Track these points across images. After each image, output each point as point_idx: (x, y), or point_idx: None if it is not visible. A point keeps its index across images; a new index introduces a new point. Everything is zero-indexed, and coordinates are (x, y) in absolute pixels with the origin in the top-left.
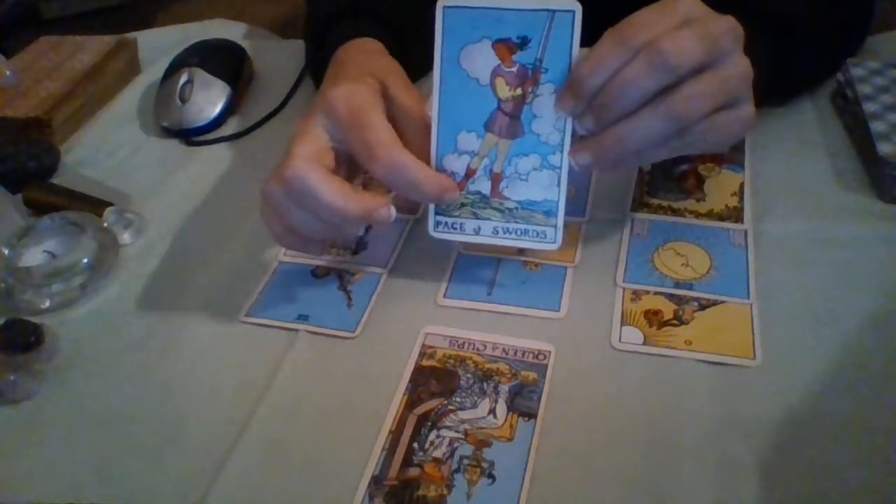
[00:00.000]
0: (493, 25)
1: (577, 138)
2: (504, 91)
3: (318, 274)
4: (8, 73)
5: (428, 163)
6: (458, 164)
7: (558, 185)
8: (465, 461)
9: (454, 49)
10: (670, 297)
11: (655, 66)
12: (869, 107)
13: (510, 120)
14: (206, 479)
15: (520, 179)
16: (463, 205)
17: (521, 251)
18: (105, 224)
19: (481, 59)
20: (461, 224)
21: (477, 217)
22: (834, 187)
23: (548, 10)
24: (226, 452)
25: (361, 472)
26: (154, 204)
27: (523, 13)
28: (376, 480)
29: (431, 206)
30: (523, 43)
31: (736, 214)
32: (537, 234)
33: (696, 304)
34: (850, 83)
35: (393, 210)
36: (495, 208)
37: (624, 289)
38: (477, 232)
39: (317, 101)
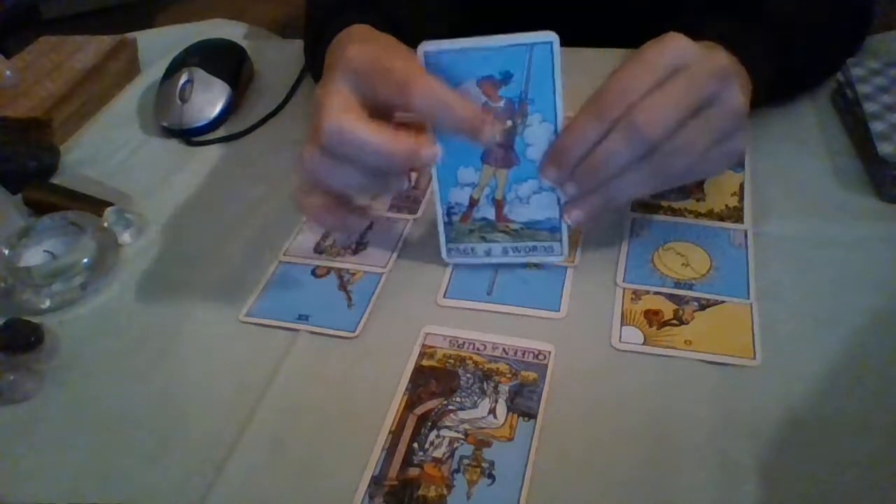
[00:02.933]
0: (476, 65)
1: None
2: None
3: (318, 274)
4: (8, 73)
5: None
6: (461, 196)
7: (558, 203)
8: (465, 461)
9: None
10: (670, 297)
11: (632, 140)
12: (869, 107)
13: (504, 151)
14: (206, 479)
15: (521, 203)
16: (471, 231)
17: None
18: (105, 224)
19: (469, 98)
20: (472, 248)
21: (486, 240)
22: (834, 187)
23: (526, 44)
24: (226, 452)
25: (361, 472)
26: (154, 204)
27: (503, 50)
28: (376, 480)
29: (442, 235)
30: (507, 78)
31: (736, 214)
32: (545, 249)
33: (696, 304)
34: (850, 83)
35: (438, 148)
36: (502, 231)
37: (624, 289)
38: (488, 254)
39: (331, 69)
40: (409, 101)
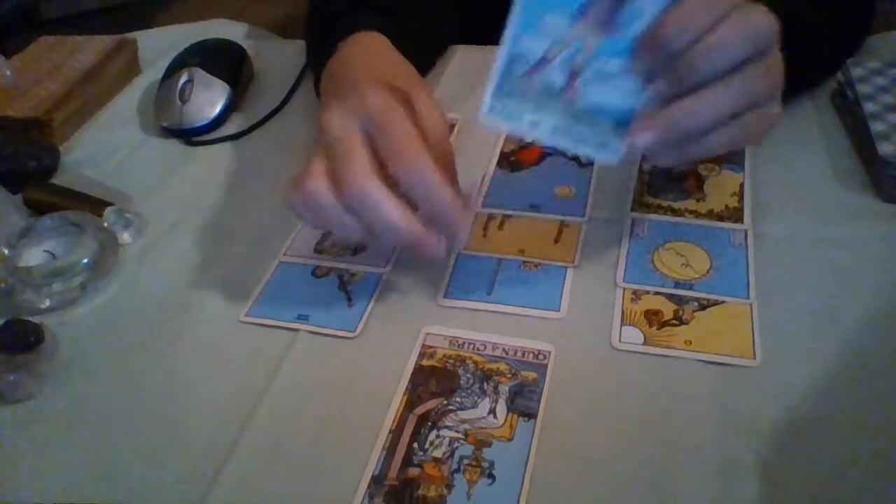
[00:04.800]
0: None
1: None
2: None
3: (318, 274)
4: (8, 73)
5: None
6: (536, 47)
7: (641, 93)
8: (465, 461)
9: None
10: (670, 297)
11: (746, 36)
12: (869, 107)
13: (611, 9)
14: (206, 479)
15: (600, 80)
16: (526, 92)
17: (522, 251)
18: (105, 224)
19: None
20: (520, 113)
21: (539, 110)
22: (834, 187)
23: None
24: (226, 452)
25: (361, 472)
26: (154, 204)
27: None
28: (376, 480)
29: (492, 84)
30: None
31: (736, 214)
32: (599, 144)
33: (696, 304)
34: (850, 83)
35: (444, 248)
36: (563, 106)
37: (624, 289)
38: (535, 126)
39: (345, 98)
40: (397, 173)
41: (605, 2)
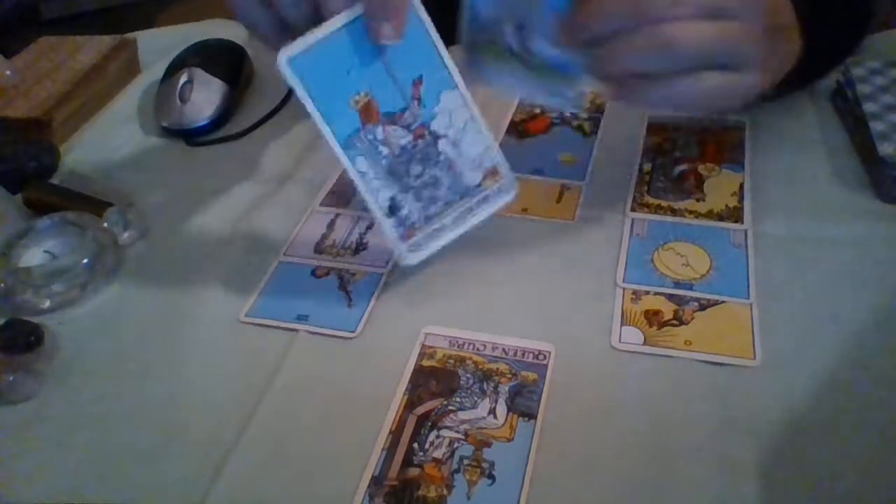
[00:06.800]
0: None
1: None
2: None
3: (318, 274)
4: (8, 73)
5: None
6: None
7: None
8: (465, 461)
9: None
10: (670, 297)
11: (660, 50)
12: (869, 107)
13: None
14: (206, 479)
15: (545, 37)
16: (487, 52)
17: (525, 209)
18: (105, 224)
19: None
20: (483, 68)
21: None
22: (834, 187)
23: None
24: (226, 453)
25: (361, 472)
26: (154, 204)
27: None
28: (376, 480)
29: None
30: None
31: (736, 214)
32: (552, 93)
33: (696, 304)
34: (850, 83)
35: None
36: (517, 63)
37: (624, 289)
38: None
39: None
40: None
41: None
